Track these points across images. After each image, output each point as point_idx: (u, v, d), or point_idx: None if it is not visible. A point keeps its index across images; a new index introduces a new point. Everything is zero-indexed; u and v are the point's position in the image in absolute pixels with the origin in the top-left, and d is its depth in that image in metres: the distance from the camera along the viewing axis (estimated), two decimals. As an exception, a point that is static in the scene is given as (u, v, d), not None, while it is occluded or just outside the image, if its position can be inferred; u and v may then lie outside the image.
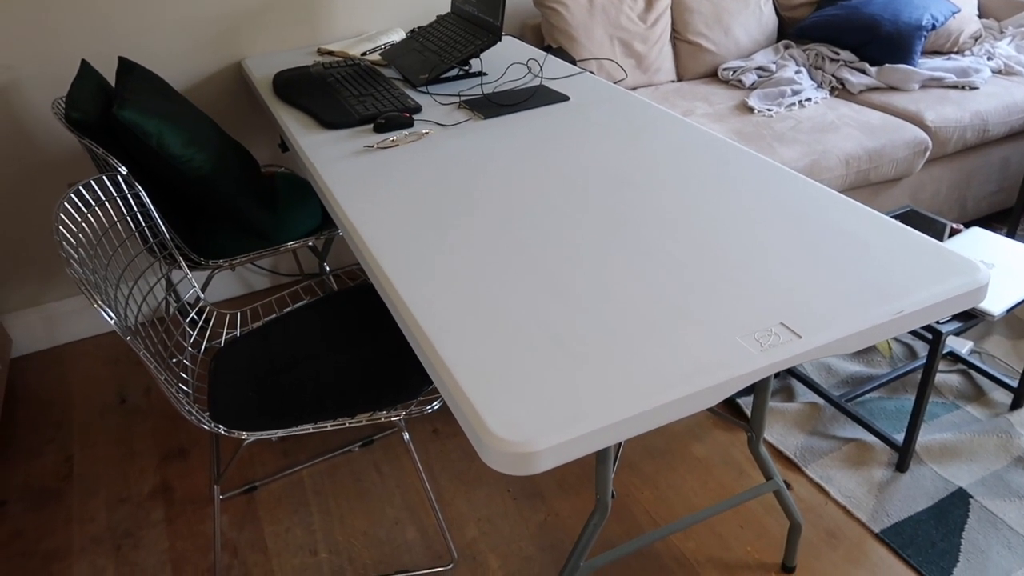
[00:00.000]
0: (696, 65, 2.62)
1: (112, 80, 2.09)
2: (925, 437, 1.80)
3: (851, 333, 0.93)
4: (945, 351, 2.05)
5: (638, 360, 0.88)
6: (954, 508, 1.63)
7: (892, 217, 1.97)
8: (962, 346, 2.07)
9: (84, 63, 1.77)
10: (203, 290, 1.60)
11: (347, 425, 1.26)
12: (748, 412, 1.91)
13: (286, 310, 1.61)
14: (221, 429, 1.26)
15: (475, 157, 1.42)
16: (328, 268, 2.24)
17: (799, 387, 1.98)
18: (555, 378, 0.86)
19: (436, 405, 1.32)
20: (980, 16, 2.96)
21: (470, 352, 0.91)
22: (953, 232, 1.87)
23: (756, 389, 1.34)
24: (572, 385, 0.85)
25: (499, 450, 0.78)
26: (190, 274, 1.58)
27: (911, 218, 1.92)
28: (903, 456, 1.71)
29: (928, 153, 2.28)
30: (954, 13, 2.62)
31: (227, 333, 1.56)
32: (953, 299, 0.99)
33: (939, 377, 1.99)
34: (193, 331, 1.51)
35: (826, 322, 0.93)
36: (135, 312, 1.31)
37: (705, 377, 0.86)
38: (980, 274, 1.01)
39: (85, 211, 1.26)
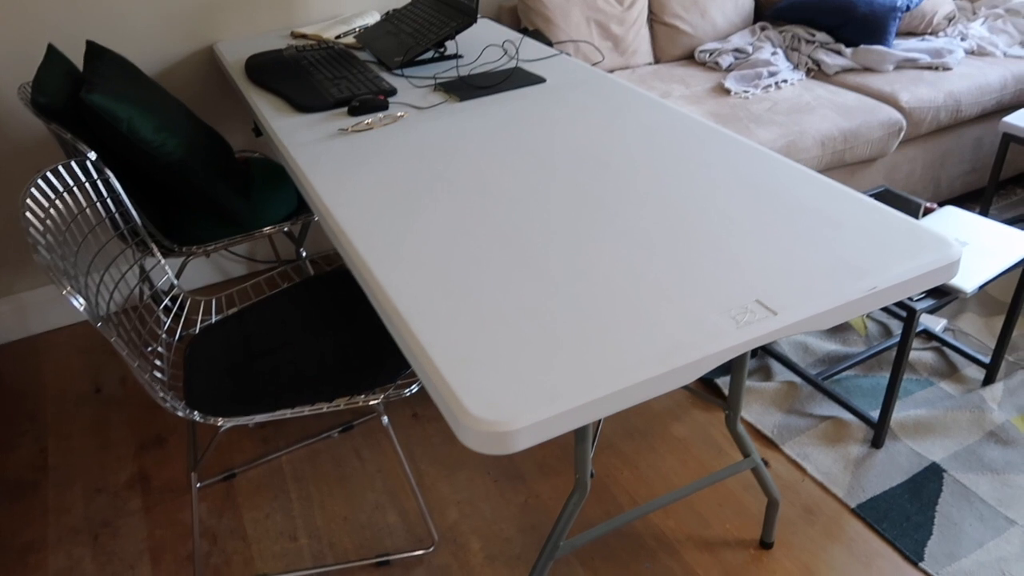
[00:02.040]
0: (673, 47, 2.62)
1: (80, 65, 2.05)
2: (900, 413, 1.83)
3: (826, 309, 0.93)
4: (919, 329, 2.07)
5: (614, 339, 0.88)
6: (928, 482, 1.65)
7: (867, 197, 1.98)
8: (936, 324, 2.09)
9: (51, 47, 1.73)
10: (177, 277, 1.58)
11: (325, 410, 1.26)
12: (725, 391, 1.92)
13: (262, 296, 1.59)
14: (196, 416, 1.24)
15: (451, 140, 1.41)
16: (305, 253, 2.23)
17: (776, 366, 2.00)
18: (531, 358, 0.86)
19: (414, 388, 1.32)
20: (953, -3, 2.98)
21: (446, 334, 0.90)
22: (927, 211, 1.88)
23: (733, 367, 1.34)
24: (548, 365, 0.85)
25: (476, 430, 0.78)
26: (163, 261, 1.56)
27: (886, 198, 1.93)
28: (878, 432, 1.73)
29: (903, 133, 2.30)
30: (928, -6, 2.63)
31: (202, 320, 1.54)
32: (926, 275, 1.00)
33: (913, 354, 2.02)
34: (167, 318, 1.50)
35: (801, 299, 0.93)
36: (107, 300, 1.30)
37: (681, 355, 0.86)
38: (952, 250, 1.02)
39: (53, 197, 1.24)
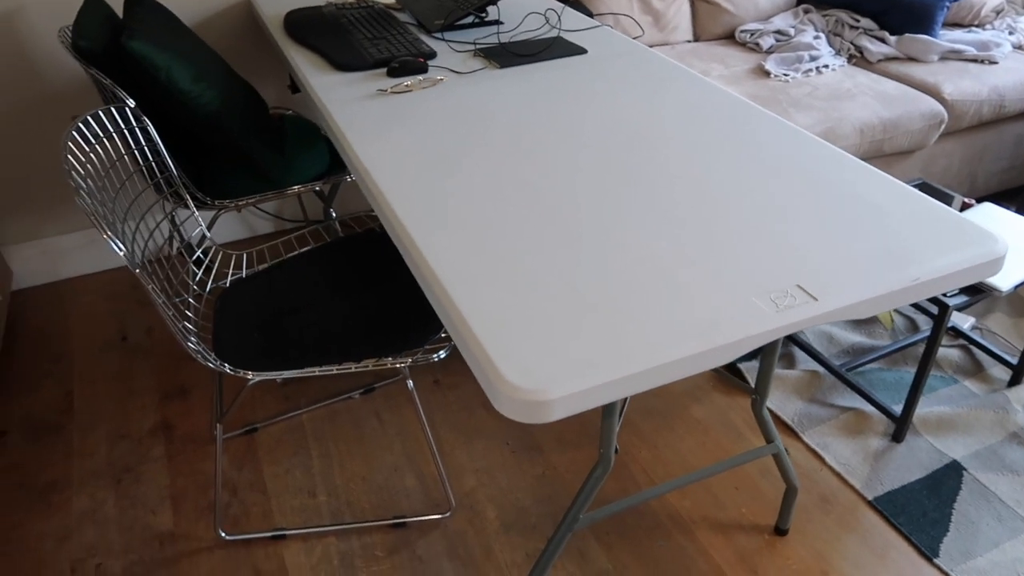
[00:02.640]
0: (714, 26, 2.58)
1: (119, 11, 2.05)
2: (922, 409, 1.81)
3: (867, 298, 0.92)
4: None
5: (653, 314, 0.87)
6: (947, 479, 1.65)
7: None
8: (964, 322, 2.07)
9: (91, -9, 1.73)
10: (208, 230, 1.59)
11: (352, 370, 1.26)
12: (749, 376, 1.91)
13: (292, 254, 1.60)
14: (227, 368, 1.25)
15: (490, 106, 1.39)
16: (334, 214, 2.23)
17: (800, 355, 1.99)
18: (568, 328, 0.85)
19: (443, 354, 1.32)
20: (1004, -11, 2.91)
21: (484, 300, 0.90)
22: (964, 206, 1.85)
23: (764, 352, 1.34)
24: (586, 336, 0.84)
25: (512, 397, 0.78)
26: (196, 213, 1.57)
27: (923, 191, 1.90)
28: (900, 427, 1.73)
29: (943, 126, 2.26)
30: (979, -16, 2.57)
31: (232, 274, 1.55)
32: (970, 269, 0.98)
33: (940, 351, 2.00)
34: (199, 270, 1.50)
35: (842, 286, 0.92)
36: (142, 248, 1.30)
37: (720, 334, 0.85)
38: (998, 245, 1.00)
39: (93, 142, 1.24)
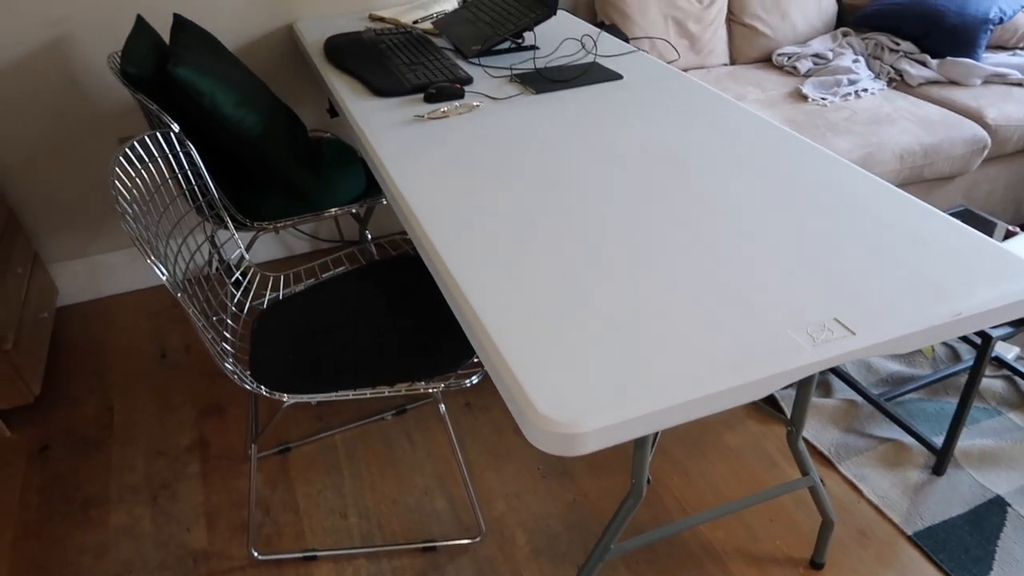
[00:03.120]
0: (750, 49, 2.57)
1: (166, 36, 2.11)
2: (965, 442, 1.77)
3: (907, 333, 0.90)
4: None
5: (687, 346, 0.87)
6: (990, 515, 1.60)
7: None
8: (1008, 351, 2.02)
9: (139, 18, 1.78)
10: (246, 251, 1.62)
11: (386, 394, 1.27)
12: (784, 405, 1.89)
13: (328, 275, 1.62)
14: (263, 390, 1.27)
15: (526, 132, 1.40)
16: (370, 236, 2.25)
17: (837, 383, 1.95)
18: (601, 359, 0.85)
19: (475, 379, 1.33)
20: (1050, 11, 2.85)
21: (517, 328, 0.90)
22: (1009, 234, 1.81)
23: (800, 383, 1.32)
24: (619, 368, 0.84)
25: (544, 429, 0.78)
26: (236, 234, 1.60)
27: (965, 218, 1.87)
28: (941, 459, 1.68)
29: (987, 152, 2.21)
30: (1023, 7, 2.52)
31: (270, 295, 1.57)
32: (1014, 304, 0.96)
33: (983, 382, 1.95)
34: (237, 292, 1.53)
35: (881, 320, 0.91)
36: (183, 269, 1.33)
37: (755, 369, 0.84)
38: (1044, 280, 0.98)
39: (139, 166, 1.27)
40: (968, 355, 2.04)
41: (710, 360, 0.85)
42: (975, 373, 1.58)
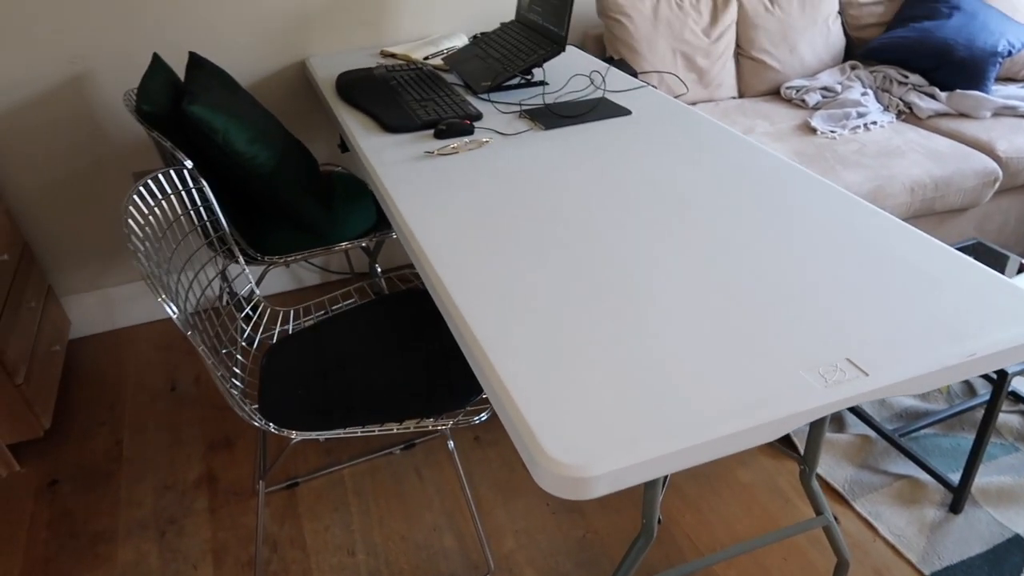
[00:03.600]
0: (758, 82, 2.58)
1: (181, 74, 2.14)
2: (982, 479, 1.74)
3: (920, 374, 0.89)
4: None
5: (698, 387, 0.86)
6: (1010, 555, 1.57)
7: (958, 250, 1.91)
8: (1024, 386, 1.99)
9: (156, 56, 1.81)
10: (257, 285, 1.63)
11: (395, 431, 1.27)
12: (797, 441, 1.86)
13: (336, 308, 1.62)
14: (272, 427, 1.27)
15: (535, 168, 1.41)
16: (380, 269, 2.26)
17: (851, 418, 1.93)
18: (611, 401, 0.85)
19: (484, 416, 1.32)
20: (1059, 44, 2.86)
21: (526, 369, 0.90)
22: (1022, 268, 1.80)
23: (813, 422, 1.30)
24: (629, 410, 0.83)
25: (554, 472, 0.77)
26: (247, 269, 1.60)
27: (978, 251, 1.86)
28: (958, 497, 1.66)
29: (998, 184, 2.21)
30: (1032, 40, 2.53)
31: (279, 328, 1.58)
32: (1029, 344, 0.95)
33: (1000, 417, 1.92)
34: (247, 327, 1.53)
35: (894, 360, 0.90)
36: (193, 304, 1.34)
37: (767, 411, 0.83)
38: (1059, 319, 0.97)
39: (152, 204, 1.28)
40: (984, 390, 2.01)
41: (721, 402, 0.84)
42: (991, 409, 1.56)
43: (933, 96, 2.49)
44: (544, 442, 0.80)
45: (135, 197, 1.21)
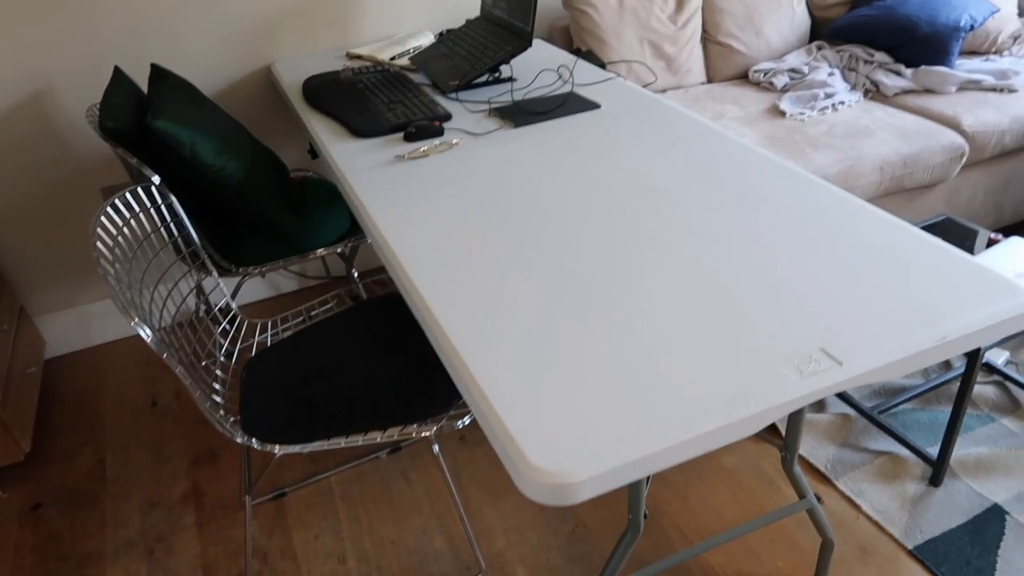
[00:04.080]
0: (726, 67, 2.59)
1: (144, 86, 2.11)
2: (960, 451, 1.77)
3: (894, 360, 0.91)
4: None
5: (676, 386, 0.87)
6: (989, 524, 1.60)
7: (928, 226, 1.93)
8: (998, 357, 2.03)
9: (117, 70, 1.78)
10: (233, 296, 1.61)
11: (379, 440, 1.27)
12: (779, 424, 1.89)
13: (315, 315, 1.61)
14: (254, 443, 1.26)
15: (506, 168, 1.41)
16: (356, 274, 2.25)
17: (830, 397, 1.96)
18: (591, 404, 0.85)
19: (467, 420, 1.32)
20: (1020, 15, 2.89)
21: (505, 375, 0.90)
22: (991, 242, 1.83)
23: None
24: (608, 412, 0.84)
25: (537, 480, 0.78)
26: (221, 283, 1.59)
27: (948, 227, 1.88)
28: (937, 470, 1.69)
29: (965, 158, 2.24)
30: (993, 13, 2.56)
31: (258, 339, 1.57)
32: (998, 324, 0.97)
33: (975, 389, 1.96)
34: (225, 341, 1.52)
35: (867, 348, 0.91)
36: (169, 321, 1.33)
37: (745, 406, 0.84)
38: (1025, 298, 0.98)
39: (121, 224, 1.27)
40: (959, 363, 2.04)
41: (699, 399, 0.85)
42: (966, 381, 1.58)
43: (899, 73, 2.51)
44: (526, 450, 0.80)
45: (102, 218, 1.20)
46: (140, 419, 2.05)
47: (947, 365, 2.04)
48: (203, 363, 1.54)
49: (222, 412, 1.26)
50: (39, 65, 1.96)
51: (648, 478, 1.76)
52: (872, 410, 1.86)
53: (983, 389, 1.95)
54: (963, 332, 0.94)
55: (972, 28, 2.50)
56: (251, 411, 1.38)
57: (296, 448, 1.27)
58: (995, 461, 1.74)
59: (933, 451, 1.74)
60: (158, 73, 1.81)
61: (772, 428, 1.88)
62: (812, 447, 1.81)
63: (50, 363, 2.31)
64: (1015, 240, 1.82)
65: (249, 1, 2.11)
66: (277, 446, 1.27)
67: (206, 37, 2.11)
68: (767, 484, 1.73)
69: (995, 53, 2.69)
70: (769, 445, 1.82)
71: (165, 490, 1.82)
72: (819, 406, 1.94)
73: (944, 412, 1.89)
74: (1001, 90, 2.42)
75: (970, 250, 1.84)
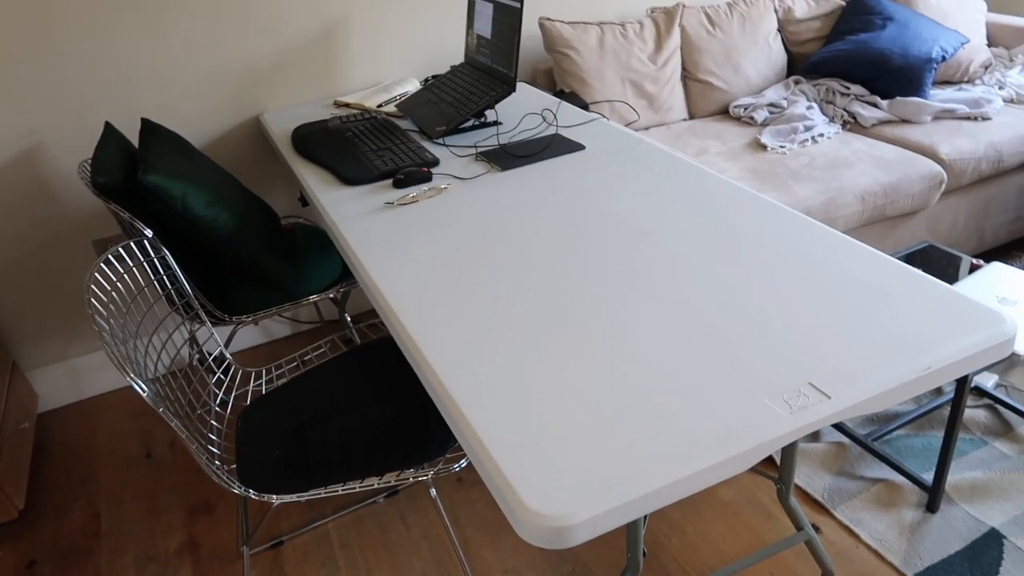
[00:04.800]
0: (707, 103, 2.65)
1: (135, 140, 2.14)
2: (954, 476, 1.78)
3: (881, 392, 0.92)
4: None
5: (667, 425, 0.88)
6: (987, 549, 1.61)
7: (910, 254, 1.97)
8: (987, 380, 2.05)
9: (108, 125, 1.81)
10: (227, 345, 1.62)
11: (376, 485, 1.27)
12: (775, 455, 1.89)
13: (308, 361, 1.62)
14: (251, 493, 1.26)
15: (494, 211, 1.43)
16: (349, 318, 2.26)
17: (824, 426, 1.96)
18: (585, 445, 0.86)
19: (463, 463, 1.33)
20: (989, 45, 2.98)
21: (499, 418, 0.91)
22: (973, 268, 1.86)
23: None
24: (602, 453, 0.85)
25: (534, 524, 0.79)
26: (215, 332, 1.60)
27: (931, 254, 1.91)
28: (933, 496, 1.69)
29: (944, 186, 2.28)
30: (963, 44, 2.63)
31: (253, 385, 1.57)
32: (982, 352, 0.99)
33: (966, 413, 1.97)
34: (220, 391, 1.53)
35: (854, 381, 0.93)
36: (163, 371, 1.33)
37: (736, 443, 0.86)
38: (1007, 326, 1.01)
39: (114, 279, 1.28)
40: (950, 388, 2.06)
41: (691, 437, 0.86)
42: (956, 407, 1.60)
43: (875, 105, 2.57)
44: (522, 494, 0.81)
45: (96, 274, 1.21)
46: (134, 471, 2.04)
47: (938, 390, 2.06)
48: (197, 412, 1.55)
49: (218, 463, 1.27)
50: (30, 123, 1.99)
51: (645, 516, 1.75)
52: (866, 437, 1.87)
53: (974, 413, 1.97)
54: (948, 361, 0.97)
55: (944, 59, 2.57)
56: (247, 460, 1.38)
57: (293, 498, 1.27)
58: (990, 485, 1.75)
59: (928, 477, 1.75)
60: (148, 128, 1.83)
61: (768, 459, 1.89)
62: (808, 476, 1.82)
63: (42, 416, 2.30)
64: (996, 265, 1.85)
65: (237, 53, 2.15)
66: (275, 496, 1.27)
67: (195, 90, 2.14)
68: (765, 516, 1.73)
69: (967, 82, 2.76)
70: (764, 477, 1.83)
71: (160, 543, 1.80)
72: (814, 435, 1.95)
73: (937, 437, 1.90)
74: (975, 118, 2.48)
75: (953, 276, 1.87)
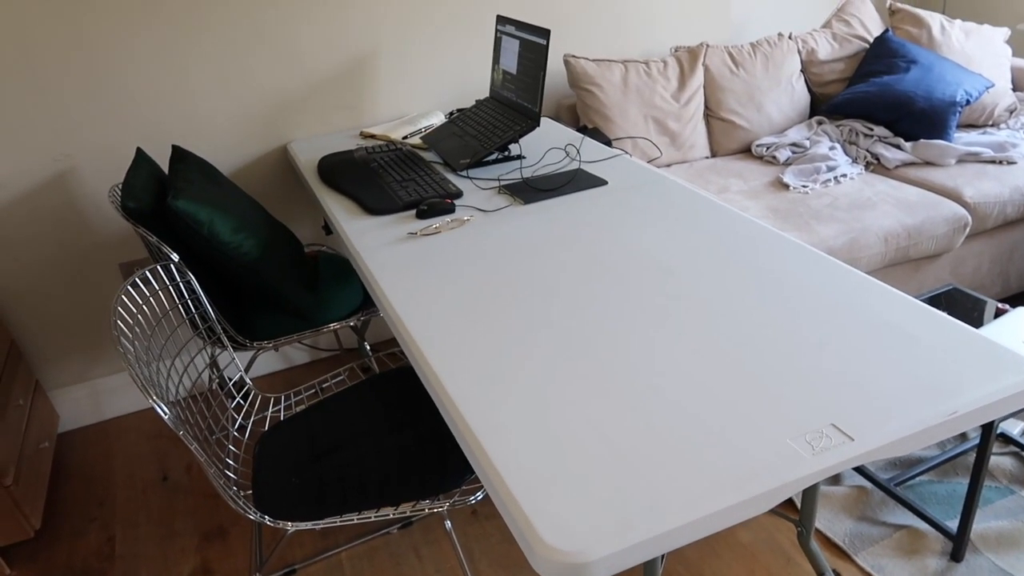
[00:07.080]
0: (729, 141, 2.66)
1: (165, 166, 2.18)
2: (980, 524, 1.74)
3: (905, 435, 0.91)
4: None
5: (689, 464, 0.87)
6: (1014, 602, 1.56)
7: (935, 296, 1.95)
8: (1014, 427, 2.01)
9: (139, 151, 1.85)
10: (247, 369, 1.63)
11: (391, 516, 1.26)
12: (795, 498, 1.86)
13: (327, 388, 1.63)
14: (267, 520, 1.26)
15: (516, 244, 1.44)
16: (368, 347, 2.27)
17: (846, 470, 1.93)
18: (605, 482, 0.85)
19: (479, 496, 1.32)
20: (1014, 89, 2.97)
21: (518, 452, 0.91)
22: (999, 312, 1.84)
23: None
24: (623, 490, 0.84)
25: (551, 559, 0.78)
26: (236, 358, 1.61)
27: (954, 297, 1.90)
28: (958, 545, 1.65)
29: (968, 229, 2.26)
30: (988, 88, 2.63)
31: (272, 410, 1.58)
32: (1008, 398, 0.97)
33: (991, 460, 1.93)
34: (239, 416, 1.54)
35: (878, 423, 0.92)
36: (183, 394, 1.34)
37: (758, 483, 0.85)
38: (1035, 372, 0.99)
39: (140, 301, 1.30)
40: (975, 433, 2.03)
41: (713, 476, 0.86)
42: (982, 453, 1.57)
43: (899, 146, 2.57)
44: (540, 528, 0.80)
45: (123, 297, 1.23)
46: (150, 494, 2.04)
47: (963, 436, 2.02)
48: (215, 436, 1.55)
49: (235, 488, 1.27)
50: (63, 147, 2.04)
51: (663, 556, 1.73)
52: (889, 482, 1.84)
53: (1000, 460, 1.93)
54: (974, 407, 0.95)
55: (968, 103, 2.57)
56: (263, 487, 1.38)
57: (308, 525, 1.27)
58: (1016, 535, 1.71)
59: (953, 524, 1.71)
60: (178, 154, 1.87)
61: (788, 502, 1.86)
62: (829, 520, 1.78)
63: (63, 436, 2.32)
64: (1022, 311, 1.83)
65: (267, 84, 2.19)
66: (290, 523, 1.26)
67: (225, 118, 2.19)
68: (784, 560, 1.70)
69: (992, 126, 2.75)
70: (785, 520, 1.80)
71: (173, 567, 1.80)
72: (835, 479, 1.91)
73: (962, 484, 1.86)
74: (1000, 162, 2.47)
75: (979, 320, 1.85)
